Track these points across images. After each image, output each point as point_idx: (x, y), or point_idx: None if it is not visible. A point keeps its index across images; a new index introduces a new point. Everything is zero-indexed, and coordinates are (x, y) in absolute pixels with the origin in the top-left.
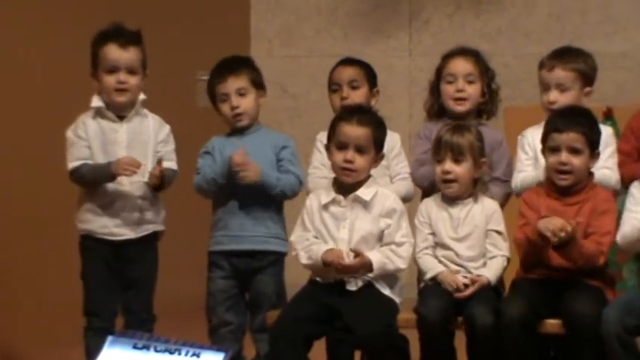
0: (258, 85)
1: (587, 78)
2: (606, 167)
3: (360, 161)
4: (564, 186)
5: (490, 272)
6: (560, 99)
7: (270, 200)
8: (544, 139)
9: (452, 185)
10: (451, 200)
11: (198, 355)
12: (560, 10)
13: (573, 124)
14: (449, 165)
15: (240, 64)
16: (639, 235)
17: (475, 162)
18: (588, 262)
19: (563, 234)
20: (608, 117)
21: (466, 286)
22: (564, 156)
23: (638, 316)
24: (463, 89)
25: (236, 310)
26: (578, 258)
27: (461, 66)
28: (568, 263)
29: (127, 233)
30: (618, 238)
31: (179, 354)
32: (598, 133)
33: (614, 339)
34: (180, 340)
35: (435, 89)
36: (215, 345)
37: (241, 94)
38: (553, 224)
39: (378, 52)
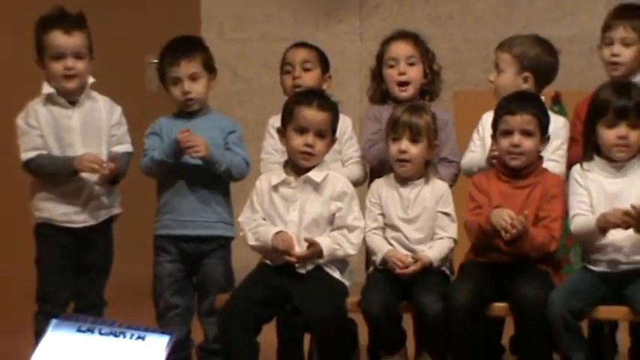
0: (210, 68)
1: (524, 63)
2: (553, 159)
3: (319, 145)
4: (515, 166)
5: (434, 253)
6: (498, 80)
7: (216, 183)
8: (495, 124)
9: (406, 165)
10: (402, 181)
11: (143, 338)
12: None
13: (526, 106)
14: (405, 144)
15: (193, 46)
16: (591, 231)
17: (429, 143)
18: (539, 251)
19: (514, 230)
20: (557, 101)
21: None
22: (517, 138)
23: (583, 300)
24: (405, 72)
25: (183, 294)
26: (531, 249)
27: (401, 49)
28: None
29: (88, 220)
30: (572, 227)
31: (124, 337)
32: (547, 118)
33: (560, 322)
34: (125, 324)
35: (377, 75)
36: (162, 328)
37: (194, 79)
38: (505, 220)
39: (329, 37)
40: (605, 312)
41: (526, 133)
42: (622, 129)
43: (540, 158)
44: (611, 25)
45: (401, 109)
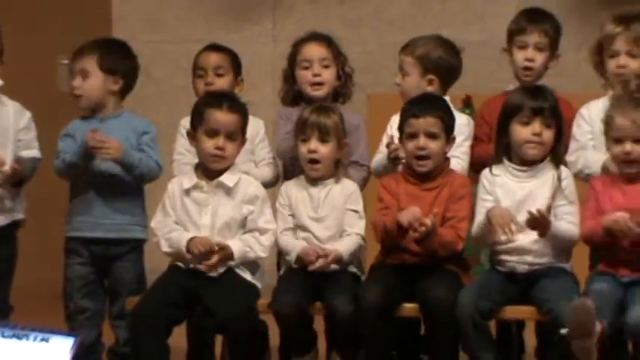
0: (107, 69)
1: (427, 65)
2: (455, 156)
3: (230, 148)
4: (423, 172)
5: (343, 246)
6: (404, 83)
7: (129, 186)
8: (401, 127)
9: (316, 167)
10: (312, 181)
11: (47, 340)
12: None
13: (429, 109)
14: (314, 144)
15: (88, 45)
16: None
17: (339, 143)
18: (447, 249)
19: (423, 228)
20: (468, 104)
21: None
22: (422, 141)
23: (491, 300)
24: (319, 74)
25: (93, 297)
26: (438, 248)
27: (315, 50)
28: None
29: None
30: (473, 232)
31: (27, 339)
32: (453, 119)
33: (469, 322)
34: (29, 326)
35: (289, 76)
36: (73, 331)
37: (84, 76)
38: (413, 218)
39: (241, 39)
40: (513, 312)
41: (431, 136)
42: (536, 126)
43: (447, 160)
44: (526, 29)
45: (308, 109)
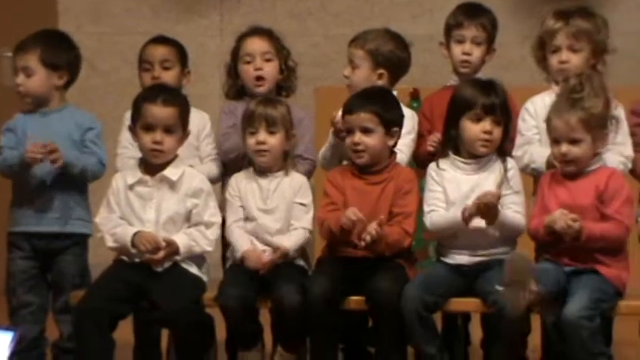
0: (50, 65)
1: (378, 59)
2: (397, 149)
3: (168, 142)
4: (361, 164)
5: (290, 242)
6: (353, 76)
7: (72, 181)
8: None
9: (265, 154)
10: (262, 172)
11: None
12: None
13: (364, 104)
14: (263, 136)
15: (30, 40)
16: (446, 225)
17: (287, 134)
18: (395, 249)
19: (368, 237)
20: (415, 98)
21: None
22: (357, 136)
23: (437, 293)
24: (261, 67)
25: (37, 291)
26: (386, 248)
27: (257, 45)
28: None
29: None
30: (427, 222)
31: None
32: (394, 113)
33: (414, 315)
34: None
35: (232, 71)
36: (15, 326)
37: (27, 74)
38: (356, 219)
39: (188, 31)
40: (458, 304)
41: (366, 131)
42: (487, 124)
43: (393, 153)
44: (463, 23)
45: (255, 102)
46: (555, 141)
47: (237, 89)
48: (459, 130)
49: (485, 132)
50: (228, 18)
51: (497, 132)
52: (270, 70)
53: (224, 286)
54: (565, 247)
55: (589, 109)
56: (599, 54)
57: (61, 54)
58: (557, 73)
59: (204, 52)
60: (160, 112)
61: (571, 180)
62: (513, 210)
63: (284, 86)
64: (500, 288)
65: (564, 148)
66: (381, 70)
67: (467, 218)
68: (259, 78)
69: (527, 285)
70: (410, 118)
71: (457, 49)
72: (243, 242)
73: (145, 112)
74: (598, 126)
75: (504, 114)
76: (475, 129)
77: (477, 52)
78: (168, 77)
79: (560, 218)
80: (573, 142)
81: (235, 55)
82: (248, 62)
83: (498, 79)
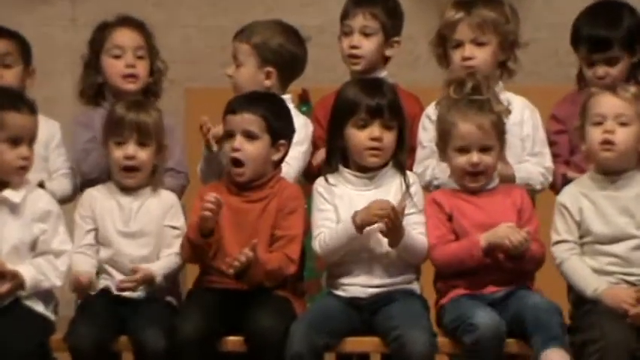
0: None
1: (265, 55)
2: (286, 162)
3: (32, 155)
4: (241, 181)
5: (158, 266)
6: (237, 75)
7: None
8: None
9: (134, 175)
10: (124, 189)
11: None
12: None
13: (251, 105)
14: (133, 148)
15: None
16: (337, 242)
17: (158, 146)
18: (276, 278)
19: (237, 264)
20: (305, 100)
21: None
22: (238, 141)
23: (328, 331)
24: (133, 64)
25: None
26: (265, 277)
27: (129, 37)
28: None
29: None
30: (317, 247)
31: None
32: (284, 122)
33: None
34: None
35: (92, 66)
36: None
37: None
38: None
39: (33, 21)
40: (354, 344)
41: (248, 136)
42: (375, 129)
43: (277, 167)
44: (350, 12)
45: (123, 105)
46: (463, 150)
47: (95, 89)
48: (345, 139)
49: (373, 139)
50: (81, 6)
51: (388, 138)
52: (142, 68)
53: (76, 326)
54: (488, 274)
55: (498, 112)
56: (509, 48)
57: None
58: (461, 71)
59: (52, 47)
60: (23, 121)
61: (476, 197)
62: (418, 231)
63: (152, 89)
64: None
65: (475, 157)
66: (269, 68)
67: (359, 225)
68: (130, 76)
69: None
70: (303, 127)
71: (345, 42)
72: (89, 266)
73: (7, 123)
74: (503, 132)
75: (395, 117)
76: (361, 136)
77: (366, 45)
78: (10, 76)
79: (512, 233)
80: (485, 149)
81: (98, 46)
82: (116, 56)
83: (387, 78)
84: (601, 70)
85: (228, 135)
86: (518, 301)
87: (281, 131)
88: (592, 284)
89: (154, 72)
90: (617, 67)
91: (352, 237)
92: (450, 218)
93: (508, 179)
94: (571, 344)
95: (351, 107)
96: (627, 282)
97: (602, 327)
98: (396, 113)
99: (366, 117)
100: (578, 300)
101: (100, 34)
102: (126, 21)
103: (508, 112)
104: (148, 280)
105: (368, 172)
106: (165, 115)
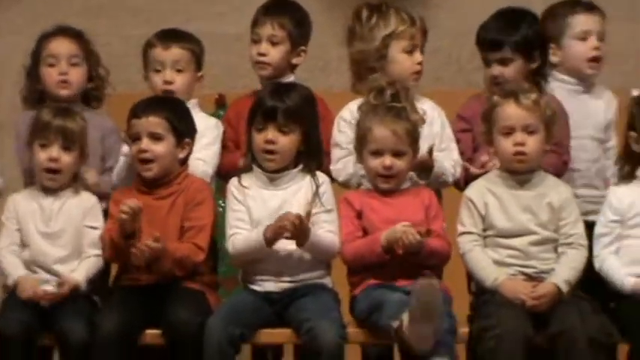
0: None
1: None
2: (199, 158)
3: None
4: (148, 177)
5: (80, 274)
6: (176, 79)
7: None
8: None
9: (55, 177)
10: (46, 191)
11: None
12: None
13: (153, 109)
14: (56, 151)
15: None
16: (249, 249)
17: (82, 152)
18: (186, 265)
19: (146, 253)
20: (221, 105)
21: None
22: (144, 143)
23: (243, 324)
24: (66, 72)
25: None
26: (173, 267)
27: (64, 47)
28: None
29: None
30: (230, 248)
31: None
32: (186, 122)
33: (216, 350)
34: None
35: (32, 74)
36: None
37: None
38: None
39: None
40: (268, 336)
41: (154, 137)
42: (269, 133)
43: (184, 164)
44: (259, 21)
45: (49, 111)
46: (377, 153)
47: (36, 95)
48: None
49: (267, 141)
50: (4, 15)
51: (284, 142)
52: (76, 75)
53: (4, 311)
54: (396, 267)
55: (414, 121)
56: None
57: None
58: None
59: None
60: None
61: (389, 197)
62: (326, 229)
63: (93, 95)
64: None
65: (388, 160)
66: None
67: (269, 240)
68: (63, 82)
69: (436, 318)
70: (214, 128)
71: (253, 49)
72: (15, 267)
73: None
74: (416, 140)
75: (294, 121)
76: (258, 138)
77: (273, 53)
78: None
79: (406, 232)
80: (398, 154)
81: (37, 56)
82: (52, 65)
83: (297, 82)
84: (495, 69)
85: (135, 138)
86: None
87: (184, 131)
88: (492, 275)
89: (93, 78)
90: (510, 67)
91: (263, 248)
92: (359, 215)
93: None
94: (470, 331)
95: (255, 110)
96: (525, 274)
97: (499, 315)
98: (295, 118)
99: (262, 120)
100: (479, 289)
101: (39, 44)
102: (62, 31)
103: (423, 121)
104: (74, 290)
105: (279, 172)
106: (104, 119)
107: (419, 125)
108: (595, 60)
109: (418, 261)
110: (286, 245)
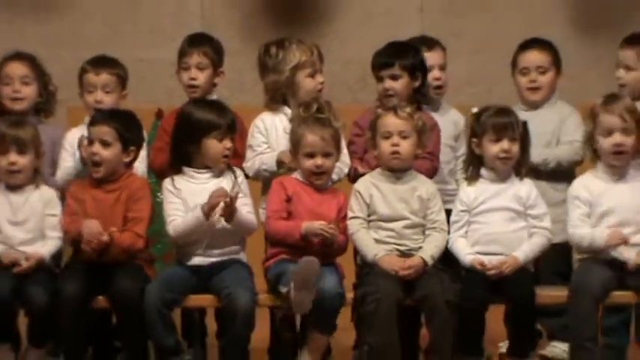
0: None
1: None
2: (138, 161)
3: None
4: (98, 177)
5: (46, 250)
6: (105, 99)
7: None
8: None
9: (16, 176)
10: (12, 188)
11: None
12: (114, 19)
13: (106, 119)
14: (13, 157)
15: None
16: (189, 227)
17: (37, 152)
18: (130, 252)
19: (96, 242)
20: (160, 117)
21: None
22: (95, 147)
23: (176, 291)
24: (19, 90)
25: None
26: (119, 253)
27: (16, 69)
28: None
29: None
30: (171, 231)
31: None
32: (134, 133)
33: (155, 312)
34: None
35: None
36: None
37: None
38: (90, 233)
39: None
40: (195, 300)
41: (104, 144)
42: (228, 142)
43: (129, 166)
44: (186, 51)
45: (4, 124)
46: (310, 155)
47: None
48: (202, 146)
49: (228, 148)
50: None
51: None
52: (28, 92)
53: None
54: (306, 250)
55: (337, 128)
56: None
57: None
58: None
59: None
60: None
61: (316, 192)
62: (246, 211)
63: (43, 108)
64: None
65: (319, 160)
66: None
67: (207, 212)
68: (16, 99)
69: (313, 287)
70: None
71: (184, 76)
72: None
73: None
74: (339, 143)
75: (229, 131)
76: (220, 147)
77: (201, 77)
78: None
79: (322, 229)
80: (326, 155)
81: None
82: (7, 84)
83: (222, 101)
84: (387, 83)
85: (90, 142)
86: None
87: (130, 140)
88: (373, 251)
89: (43, 94)
90: (399, 82)
91: (201, 222)
92: (288, 199)
93: None
94: (355, 296)
95: (211, 124)
96: (399, 251)
97: (378, 283)
98: (234, 130)
99: (223, 132)
100: (363, 262)
101: None
102: (16, 55)
103: (344, 127)
104: (40, 263)
105: (208, 169)
106: (53, 129)
107: (341, 131)
108: (438, 87)
109: (325, 249)
110: (212, 229)
